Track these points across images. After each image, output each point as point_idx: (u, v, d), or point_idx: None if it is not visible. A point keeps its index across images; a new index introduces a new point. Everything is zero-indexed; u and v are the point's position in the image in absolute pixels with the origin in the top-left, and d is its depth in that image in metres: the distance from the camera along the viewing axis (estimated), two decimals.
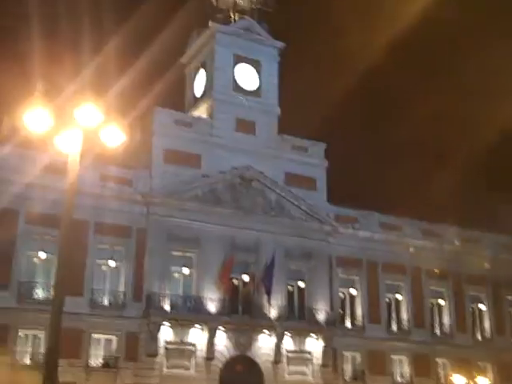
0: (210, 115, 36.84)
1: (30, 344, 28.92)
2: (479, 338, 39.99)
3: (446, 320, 39.35)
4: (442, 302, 39.53)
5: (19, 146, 28.36)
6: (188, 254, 33.48)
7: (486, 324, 40.46)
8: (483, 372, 36.44)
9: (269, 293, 33.34)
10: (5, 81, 30.17)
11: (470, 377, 33.14)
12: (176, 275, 33.15)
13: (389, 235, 38.42)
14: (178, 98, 40.54)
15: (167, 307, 31.53)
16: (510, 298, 41.43)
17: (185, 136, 35.08)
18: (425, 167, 49.84)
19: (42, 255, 29.98)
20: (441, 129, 52.55)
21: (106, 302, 30.83)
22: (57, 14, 37.16)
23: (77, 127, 12.15)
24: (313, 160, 38.30)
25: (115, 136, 12.33)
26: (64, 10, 36.72)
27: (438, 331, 38.88)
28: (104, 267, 31.64)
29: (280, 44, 39.97)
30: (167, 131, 34.73)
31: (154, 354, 30.59)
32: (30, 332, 28.84)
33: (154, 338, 30.68)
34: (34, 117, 11.81)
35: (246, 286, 34.10)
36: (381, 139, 49.96)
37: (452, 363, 37.30)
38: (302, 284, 35.88)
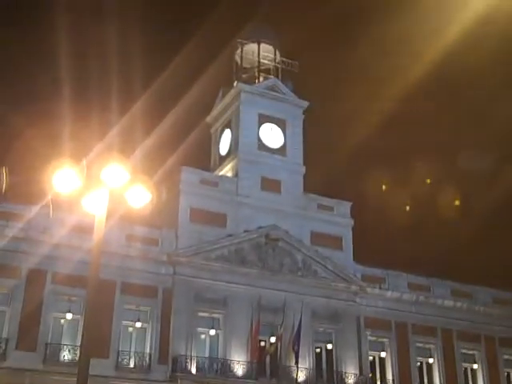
0: (236, 174, 36.80)
1: None
2: None
3: None
4: (475, 365, 38.22)
5: (48, 207, 28.30)
6: (214, 315, 32.84)
7: None
8: None
9: (297, 356, 32.46)
10: (35, 142, 30.46)
11: None
12: (202, 337, 32.47)
13: (418, 295, 37.60)
14: (204, 158, 40.71)
15: (193, 370, 30.74)
16: None
17: (210, 195, 34.95)
18: (453, 225, 49.16)
19: (69, 316, 29.47)
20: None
21: (131, 365, 30.11)
22: (85, 75, 37.87)
23: (104, 187, 12.14)
24: (339, 219, 37.93)
25: (141, 196, 12.33)
26: (92, 71, 37.43)
27: None
28: (130, 328, 31.08)
29: (305, 103, 40.23)
30: (193, 190, 34.62)
31: None
32: None
33: None
34: (62, 177, 11.85)
35: (274, 349, 33.21)
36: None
37: None
38: (329, 346, 34.94)
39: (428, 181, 52.62)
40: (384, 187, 50.19)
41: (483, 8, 29.12)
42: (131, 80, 36.68)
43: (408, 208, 50.16)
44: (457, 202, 50.94)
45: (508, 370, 39.05)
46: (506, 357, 38.98)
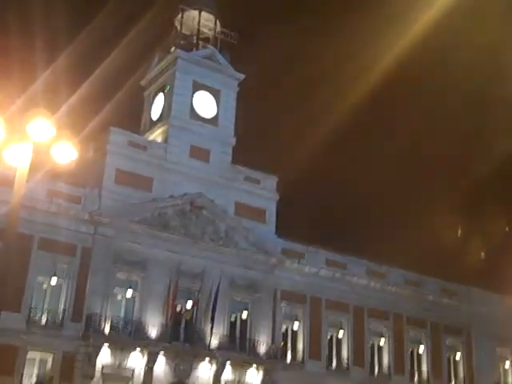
0: (165, 140, 36.80)
1: None
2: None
3: (386, 360, 39.63)
4: (382, 341, 39.74)
5: None
6: (133, 277, 32.96)
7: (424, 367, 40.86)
8: None
9: (212, 322, 33.04)
10: None
11: None
12: (119, 298, 32.55)
13: (334, 272, 38.75)
14: (135, 121, 40.39)
15: (107, 329, 30.88)
16: (448, 341, 42.01)
17: (138, 158, 34.90)
18: (376, 203, 50.64)
19: None
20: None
21: (43, 321, 29.96)
22: (9, 26, 36.73)
23: (28, 141, 12.01)
24: (264, 192, 38.54)
25: (66, 152, 12.22)
26: (17, 22, 36.32)
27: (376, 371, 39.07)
28: (45, 285, 30.83)
29: (240, 75, 40.39)
30: (121, 152, 34.47)
31: (90, 377, 29.82)
32: None
33: (91, 360, 29.93)
34: None
35: (189, 314, 33.69)
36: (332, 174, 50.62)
37: None
38: (245, 315, 35.68)
39: None
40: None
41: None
42: (59, 30, 35.71)
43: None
44: None
45: (412, 346, 40.77)
46: (411, 334, 40.69)
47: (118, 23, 37.05)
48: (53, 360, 29.58)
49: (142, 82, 41.13)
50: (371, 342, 39.42)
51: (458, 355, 41.97)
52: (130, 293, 32.53)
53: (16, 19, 35.66)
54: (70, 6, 38.97)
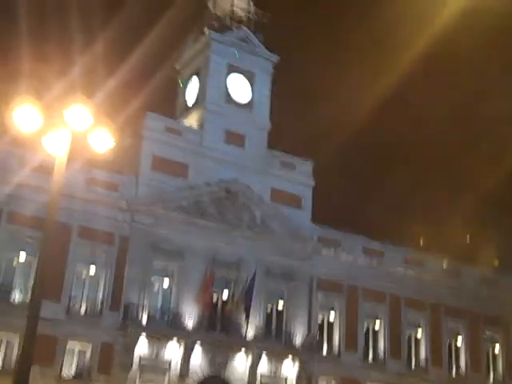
0: (201, 125, 36.04)
1: (3, 348, 27.62)
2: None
3: (423, 352, 38.83)
4: (419, 333, 38.95)
5: (8, 145, 27.34)
6: (169, 266, 32.51)
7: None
8: None
9: (248, 312, 32.49)
10: None
11: None
12: (156, 287, 32.14)
13: (371, 260, 37.96)
14: (170, 105, 39.62)
15: (144, 319, 30.47)
16: (487, 333, 41.10)
17: (174, 144, 34.27)
18: (415, 194, 49.61)
19: (22, 257, 28.63)
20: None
21: (82, 310, 29.73)
22: (46, 13, 36.08)
23: (66, 128, 11.82)
24: (300, 178, 37.72)
25: (104, 140, 12.11)
26: (53, 9, 35.67)
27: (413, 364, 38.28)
28: (84, 274, 30.50)
29: (275, 57, 39.38)
30: (157, 137, 33.85)
31: (128, 367, 29.47)
32: (3, 336, 27.61)
33: (129, 350, 29.59)
34: (23, 115, 11.45)
35: (226, 304, 33.17)
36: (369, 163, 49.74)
37: None
38: (281, 304, 35.08)
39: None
40: None
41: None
42: (96, 16, 35.09)
43: None
44: None
45: (450, 338, 39.91)
46: (449, 325, 39.73)
47: (151, 6, 36.17)
48: (91, 350, 29.28)
49: (177, 65, 40.29)
50: (408, 333, 38.64)
51: (497, 348, 41.05)
52: (166, 282, 32.08)
53: (52, 6, 34.94)
54: None
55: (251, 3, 41.25)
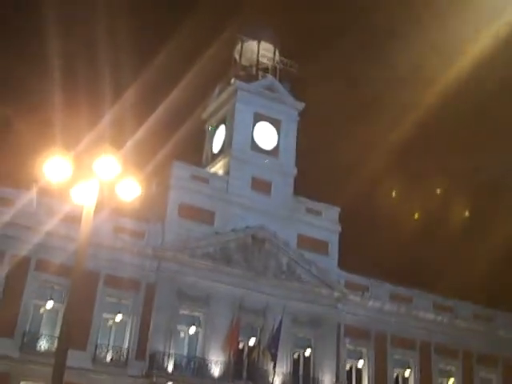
0: (227, 172, 36.49)
1: None
2: None
3: None
4: (450, 382, 38.12)
5: (38, 195, 28.15)
6: (195, 313, 32.56)
7: None
8: None
9: (274, 360, 32.26)
10: (27, 131, 30.03)
11: None
12: (182, 334, 32.15)
13: (399, 306, 37.56)
14: (196, 154, 40.31)
15: (170, 368, 30.44)
16: None
17: (201, 191, 34.67)
18: (442, 240, 49.11)
19: (49, 304, 29.01)
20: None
21: (108, 358, 29.76)
22: (76, 64, 37.32)
23: (94, 178, 12.18)
24: (326, 223, 37.74)
25: (131, 189, 12.37)
26: (83, 61, 36.89)
27: None
28: (110, 321, 30.71)
29: (301, 105, 39.94)
30: (184, 185, 34.29)
31: None
32: None
33: None
34: (53, 166, 11.84)
35: (252, 351, 33.01)
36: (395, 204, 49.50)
37: None
38: (308, 352, 34.76)
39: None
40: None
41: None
42: (123, 69, 36.20)
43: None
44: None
45: None
46: (481, 374, 38.91)
47: (179, 59, 37.13)
48: None
49: (203, 115, 41.10)
50: (439, 382, 37.83)
51: None
52: (193, 329, 32.12)
53: (82, 58, 36.15)
54: (135, 43, 39.34)
55: (277, 53, 42.05)
